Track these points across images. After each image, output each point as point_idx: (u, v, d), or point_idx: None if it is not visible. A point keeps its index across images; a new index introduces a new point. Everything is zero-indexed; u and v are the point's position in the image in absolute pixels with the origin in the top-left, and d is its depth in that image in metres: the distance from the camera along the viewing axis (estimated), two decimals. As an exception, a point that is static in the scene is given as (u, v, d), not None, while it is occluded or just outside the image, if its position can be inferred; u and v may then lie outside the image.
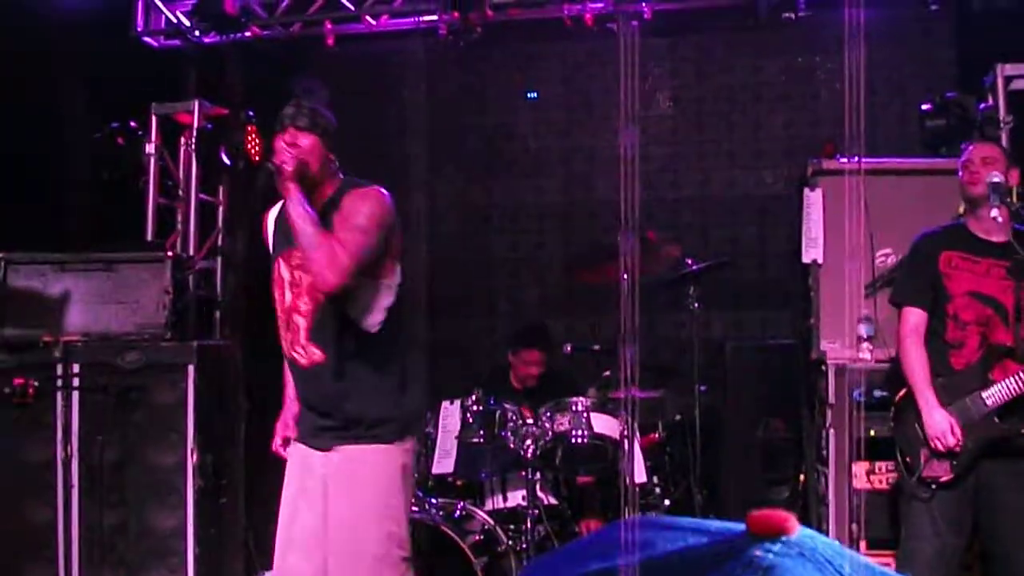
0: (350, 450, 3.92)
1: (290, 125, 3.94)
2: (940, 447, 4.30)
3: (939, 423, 4.30)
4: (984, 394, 4.30)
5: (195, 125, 6.30)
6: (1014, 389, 4.26)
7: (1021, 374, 4.25)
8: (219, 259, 6.44)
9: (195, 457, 5.69)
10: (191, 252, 6.26)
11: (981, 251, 4.45)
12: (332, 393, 3.94)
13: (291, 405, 4.19)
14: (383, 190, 3.97)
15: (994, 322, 4.37)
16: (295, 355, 3.98)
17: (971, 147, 4.57)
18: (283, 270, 4.02)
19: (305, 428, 4.05)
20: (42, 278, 5.96)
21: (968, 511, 4.36)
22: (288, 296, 3.99)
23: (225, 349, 6.16)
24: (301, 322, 3.96)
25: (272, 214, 4.15)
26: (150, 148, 6.32)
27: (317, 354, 3.93)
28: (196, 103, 6.32)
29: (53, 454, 5.82)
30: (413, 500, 5.36)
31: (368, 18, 6.81)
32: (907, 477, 4.39)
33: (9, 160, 6.45)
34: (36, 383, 5.74)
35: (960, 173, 4.53)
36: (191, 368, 5.71)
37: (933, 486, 4.33)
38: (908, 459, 4.40)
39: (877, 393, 5.12)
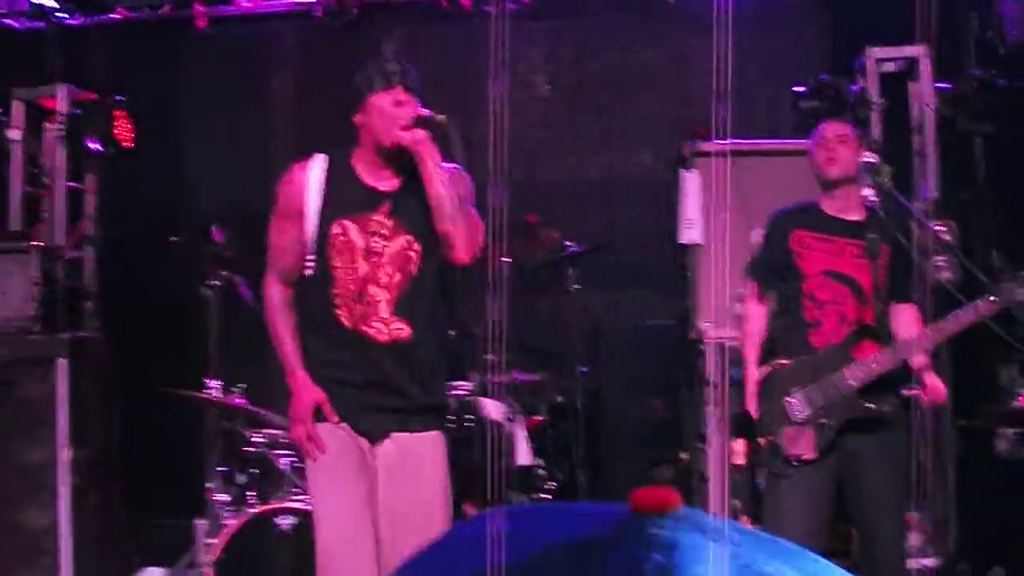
0: (416, 437, 3.76)
1: (401, 85, 3.75)
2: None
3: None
4: (847, 373, 4.35)
5: (61, 110, 6.09)
6: (875, 367, 4.32)
7: (882, 353, 4.32)
8: (89, 249, 6.25)
9: (68, 453, 5.54)
10: (59, 242, 6.06)
11: (835, 230, 4.47)
12: (413, 372, 3.73)
13: (311, 389, 3.80)
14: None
15: (851, 301, 4.41)
16: (368, 330, 3.70)
17: (823, 125, 4.59)
18: (355, 235, 3.72)
19: (352, 411, 3.76)
20: (-98, 270, 5.73)
21: (832, 485, 4.42)
22: (363, 266, 3.71)
23: (97, 341, 6.00)
24: (382, 295, 3.70)
25: (312, 172, 3.81)
26: (14, 134, 6.09)
27: (404, 329, 3.71)
28: (62, 87, 6.11)
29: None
30: (295, 491, 5.31)
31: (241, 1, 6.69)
32: (771, 456, 4.44)
33: None
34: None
35: (814, 152, 4.55)
36: (62, 361, 5.55)
37: (796, 464, 4.39)
38: (772, 437, 4.44)
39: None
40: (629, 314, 6.88)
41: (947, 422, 5.55)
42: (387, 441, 3.75)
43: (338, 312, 3.72)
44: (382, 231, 3.72)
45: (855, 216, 4.47)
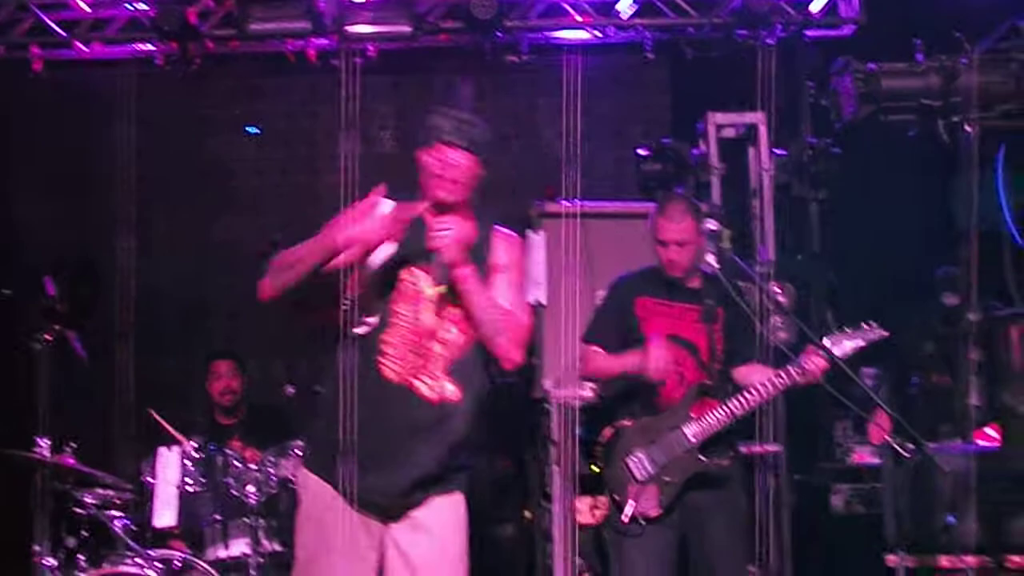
0: (442, 500, 3.58)
1: (447, 142, 3.51)
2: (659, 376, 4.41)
3: (659, 356, 4.40)
4: (686, 430, 4.48)
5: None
6: (713, 424, 4.46)
7: (718, 410, 4.45)
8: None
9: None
10: None
11: (675, 295, 4.62)
12: (455, 438, 3.54)
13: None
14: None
15: (689, 363, 4.56)
16: (418, 385, 3.50)
17: (660, 221, 4.55)
18: (424, 285, 3.53)
19: (366, 485, 3.46)
20: None
21: (676, 541, 4.54)
22: (427, 317, 3.53)
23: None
24: (440, 351, 3.52)
25: (387, 211, 3.52)
26: None
27: (454, 392, 3.54)
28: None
29: None
30: (129, 554, 5.14)
31: (80, 44, 6.49)
32: (617, 515, 4.50)
33: None
34: None
35: (655, 244, 4.57)
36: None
37: (643, 522, 4.47)
38: (617, 496, 4.51)
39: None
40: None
41: (783, 478, 5.67)
42: (403, 522, 3.56)
43: (382, 361, 3.50)
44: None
45: (694, 282, 4.62)
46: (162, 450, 5.37)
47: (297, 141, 7.27)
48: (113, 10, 6.45)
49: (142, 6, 6.35)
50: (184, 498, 5.29)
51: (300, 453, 5.10)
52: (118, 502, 5.40)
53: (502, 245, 3.69)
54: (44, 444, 5.33)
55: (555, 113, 5.92)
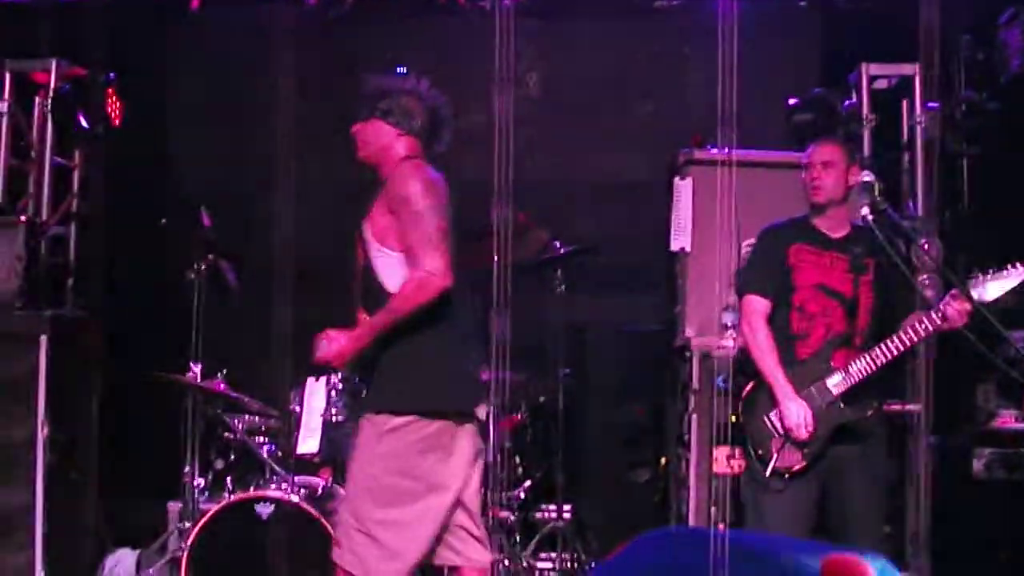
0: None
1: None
2: (797, 437, 4.40)
3: (796, 413, 4.40)
4: (829, 382, 4.45)
5: (51, 84, 6.01)
6: (856, 376, 4.41)
7: (861, 360, 4.40)
8: (73, 225, 6.17)
9: (45, 432, 5.48)
10: (44, 217, 5.98)
11: (825, 245, 4.60)
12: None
13: None
14: (411, 164, 3.98)
15: (837, 313, 4.52)
16: None
17: (811, 149, 4.68)
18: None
19: None
20: None
21: (817, 496, 4.50)
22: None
23: (79, 320, 5.94)
24: None
25: None
26: (2, 107, 6.00)
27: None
28: (53, 62, 6.02)
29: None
30: (274, 479, 5.30)
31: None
32: (759, 468, 4.48)
33: None
34: None
35: (803, 174, 4.63)
36: (44, 339, 5.48)
37: (786, 476, 4.44)
38: (759, 451, 4.49)
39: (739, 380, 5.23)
40: (615, 318, 6.89)
41: (924, 438, 5.59)
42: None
43: None
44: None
45: (842, 232, 4.58)
46: (310, 380, 5.51)
47: (443, 83, 7.30)
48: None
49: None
50: (328, 427, 5.42)
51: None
52: (265, 428, 5.57)
53: (405, 175, 3.97)
54: (196, 369, 5.52)
55: (702, 61, 5.88)
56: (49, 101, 5.97)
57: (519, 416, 6.03)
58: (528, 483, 5.98)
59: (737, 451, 4.75)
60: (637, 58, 6.98)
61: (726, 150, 5.28)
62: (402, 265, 3.88)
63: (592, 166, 7.01)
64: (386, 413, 3.90)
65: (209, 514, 5.10)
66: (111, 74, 6.20)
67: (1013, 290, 4.40)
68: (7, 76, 5.99)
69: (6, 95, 5.99)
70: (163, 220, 5.83)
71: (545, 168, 6.66)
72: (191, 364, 5.50)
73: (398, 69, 7.37)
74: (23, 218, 5.70)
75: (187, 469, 5.53)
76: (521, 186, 6.21)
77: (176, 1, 6.60)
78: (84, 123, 6.13)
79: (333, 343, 3.92)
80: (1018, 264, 4.39)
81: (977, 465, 5.70)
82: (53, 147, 6.06)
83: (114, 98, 6.18)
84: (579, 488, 6.35)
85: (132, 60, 6.47)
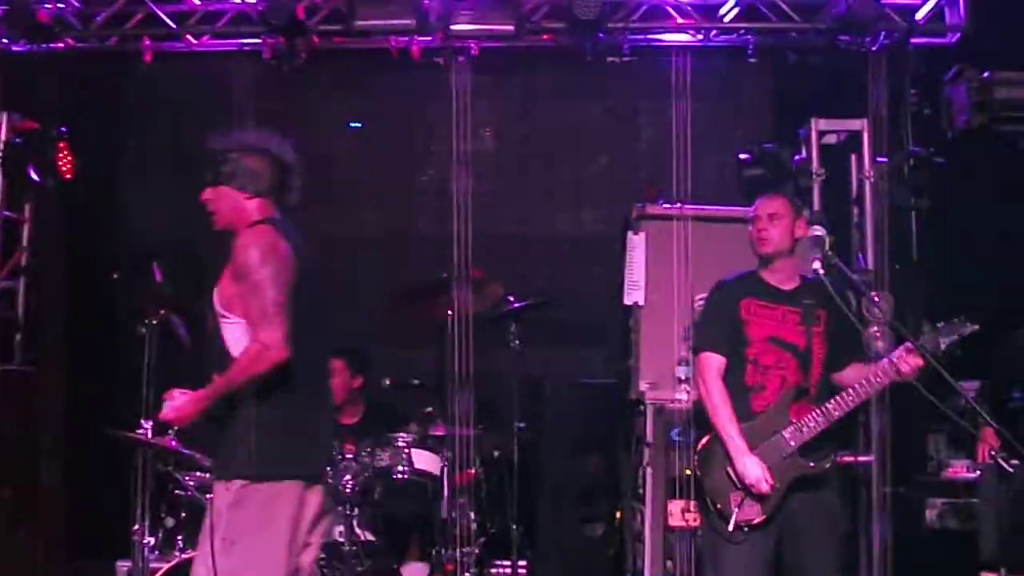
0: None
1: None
2: (757, 491, 4.40)
3: (752, 469, 4.41)
4: (785, 434, 4.45)
5: (1, 138, 5.97)
6: (812, 427, 4.43)
7: (816, 412, 4.43)
8: (22, 279, 6.10)
9: (-9, 490, 5.40)
10: (-9, 271, 5.94)
11: (776, 298, 4.61)
12: None
13: None
14: (256, 231, 3.90)
15: (792, 365, 4.53)
16: None
17: (758, 202, 4.71)
18: None
19: None
20: None
21: (774, 548, 4.50)
22: None
23: (25, 374, 5.87)
24: None
25: None
26: (-48, 162, 5.97)
27: None
28: (3, 115, 5.99)
29: None
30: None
31: (190, 37, 6.61)
32: (718, 523, 4.48)
33: None
34: None
35: (750, 227, 4.67)
36: (-9, 394, 5.43)
37: (746, 529, 4.44)
38: (718, 504, 4.49)
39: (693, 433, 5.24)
40: (569, 371, 6.90)
41: (878, 489, 5.63)
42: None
43: None
44: None
45: (792, 284, 4.61)
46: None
47: (397, 137, 7.34)
48: (222, 4, 6.57)
49: (251, -1, 6.46)
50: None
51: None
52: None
53: (248, 243, 3.89)
54: (147, 426, 5.45)
55: (654, 115, 5.96)
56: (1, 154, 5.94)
57: (473, 470, 6.00)
58: (483, 539, 5.94)
59: (692, 504, 4.73)
60: (591, 113, 7.05)
61: (679, 205, 5.35)
62: (245, 332, 3.87)
63: (546, 220, 7.07)
64: (235, 479, 3.86)
65: (158, 574, 5.02)
66: (63, 127, 6.17)
67: (961, 341, 4.45)
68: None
69: (-42, 149, 5.96)
70: (115, 274, 5.77)
71: (499, 222, 6.69)
72: (141, 421, 5.42)
73: (351, 124, 7.46)
74: (-29, 272, 5.65)
75: (136, 527, 5.44)
76: (476, 240, 6.27)
77: (130, 54, 6.59)
78: (35, 176, 6.09)
79: (176, 402, 3.92)
80: (964, 319, 4.44)
81: (930, 515, 5.74)
82: (2, 201, 6.01)
83: (66, 151, 6.14)
84: (534, 543, 6.32)
85: (85, 113, 6.44)
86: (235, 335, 3.86)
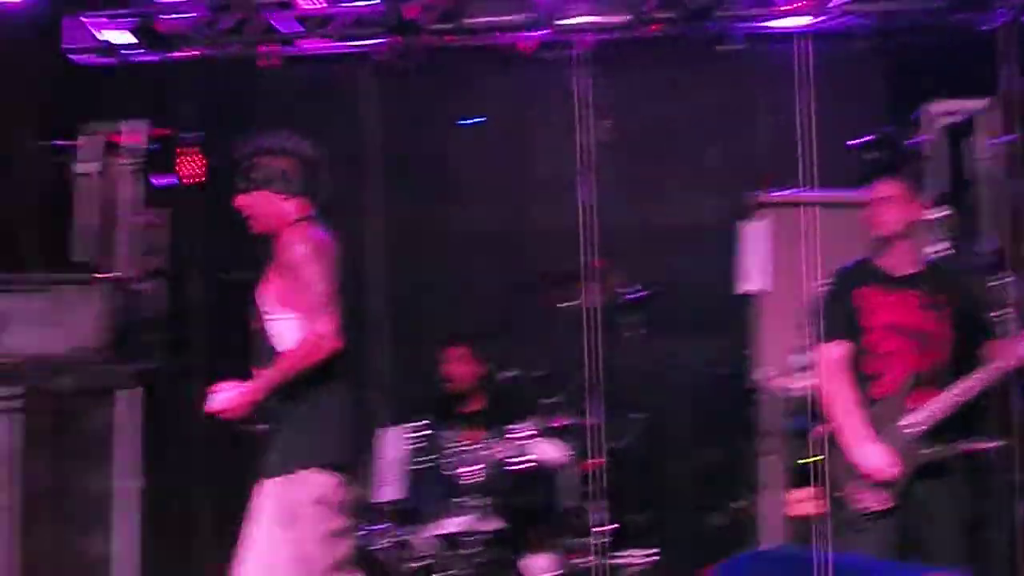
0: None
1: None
2: (881, 479, 4.38)
3: (874, 457, 4.39)
4: (908, 420, 4.43)
5: (136, 145, 6.19)
6: (933, 413, 4.39)
7: (940, 398, 4.40)
8: (158, 281, 6.32)
9: (134, 483, 5.62)
10: (128, 274, 6.15)
11: (893, 283, 4.59)
12: None
13: None
14: (299, 229, 4.07)
15: (912, 351, 4.51)
16: None
17: (873, 186, 4.71)
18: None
19: None
20: (-23, 300, 5.85)
21: (900, 535, 4.47)
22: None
23: (162, 373, 6.08)
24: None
25: None
26: (84, 168, 6.21)
27: None
28: (136, 123, 6.22)
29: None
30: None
31: (304, 42, 6.77)
32: (842, 511, 4.47)
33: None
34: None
35: (866, 211, 4.64)
36: (123, 392, 5.64)
37: (870, 516, 4.42)
38: (841, 493, 4.48)
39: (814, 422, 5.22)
40: (690, 360, 6.91)
41: (1010, 478, 5.53)
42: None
43: None
44: None
45: (911, 269, 4.58)
46: (387, 429, 5.59)
47: (512, 133, 7.41)
48: (335, 7, 6.72)
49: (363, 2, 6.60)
50: (406, 476, 5.49)
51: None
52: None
53: (294, 240, 4.07)
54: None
55: (769, 102, 5.92)
56: (131, 161, 6.16)
57: (597, 460, 6.05)
58: (608, 529, 5.98)
59: (815, 492, 4.74)
60: (705, 102, 7.04)
61: (797, 191, 5.32)
62: (294, 329, 4.01)
63: (665, 210, 7.08)
64: (291, 470, 4.00)
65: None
66: (195, 133, 6.38)
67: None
68: (91, 139, 6.19)
69: (89, 156, 6.19)
70: (225, 273, 5.94)
71: (619, 213, 6.68)
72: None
73: (468, 120, 7.54)
74: (105, 275, 5.87)
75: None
76: (595, 231, 6.31)
77: (249, 61, 6.79)
78: (170, 181, 6.31)
79: (226, 395, 4.05)
80: None
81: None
82: (140, 205, 6.24)
83: (196, 156, 6.34)
84: (660, 532, 6.34)
85: (218, 118, 6.64)
86: (282, 331, 4.03)
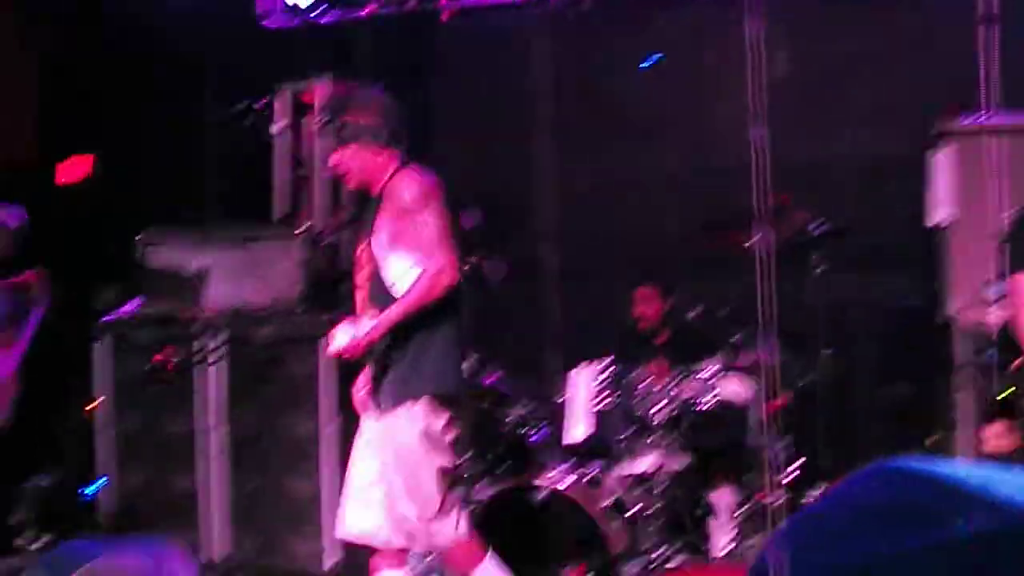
0: None
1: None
2: None
3: None
4: None
5: (320, 102, 6.41)
6: None
7: None
8: (347, 234, 6.55)
9: (334, 426, 5.86)
10: (321, 227, 6.40)
11: None
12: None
13: None
14: (405, 174, 4.22)
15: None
16: None
17: None
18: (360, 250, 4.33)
19: None
20: (180, 255, 6.18)
21: None
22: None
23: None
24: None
25: None
26: (279, 127, 6.47)
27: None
28: (321, 80, 6.43)
29: (194, 426, 6.05)
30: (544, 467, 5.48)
31: (479, -6, 6.91)
32: None
33: (145, 146, 6.68)
34: (176, 358, 5.96)
35: None
36: (323, 340, 5.87)
37: (1067, 450, 4.32)
38: None
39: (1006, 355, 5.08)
40: (877, 296, 6.79)
41: None
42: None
43: None
44: None
45: None
46: (575, 370, 5.68)
47: (688, 72, 7.36)
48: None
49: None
50: (595, 415, 5.58)
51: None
52: (534, 420, 5.76)
53: (403, 185, 4.19)
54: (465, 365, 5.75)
55: (963, 27, 5.71)
56: (319, 118, 6.37)
57: (782, 399, 6.02)
58: (794, 466, 5.96)
59: (1009, 427, 4.64)
60: (886, 33, 6.85)
61: (986, 117, 5.16)
62: (411, 269, 4.12)
63: (846, 144, 6.94)
64: (418, 398, 4.16)
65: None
66: (377, 86, 6.54)
67: None
68: (282, 97, 6.43)
69: (282, 115, 6.44)
70: None
71: (799, 147, 6.59)
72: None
73: (645, 61, 7.51)
74: (302, 229, 6.12)
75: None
76: (776, 167, 6.23)
77: (429, 15, 6.94)
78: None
79: (345, 335, 4.16)
80: None
81: None
82: (326, 161, 6.45)
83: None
84: (846, 470, 6.27)
85: (397, 72, 6.81)
86: (399, 271, 4.16)
